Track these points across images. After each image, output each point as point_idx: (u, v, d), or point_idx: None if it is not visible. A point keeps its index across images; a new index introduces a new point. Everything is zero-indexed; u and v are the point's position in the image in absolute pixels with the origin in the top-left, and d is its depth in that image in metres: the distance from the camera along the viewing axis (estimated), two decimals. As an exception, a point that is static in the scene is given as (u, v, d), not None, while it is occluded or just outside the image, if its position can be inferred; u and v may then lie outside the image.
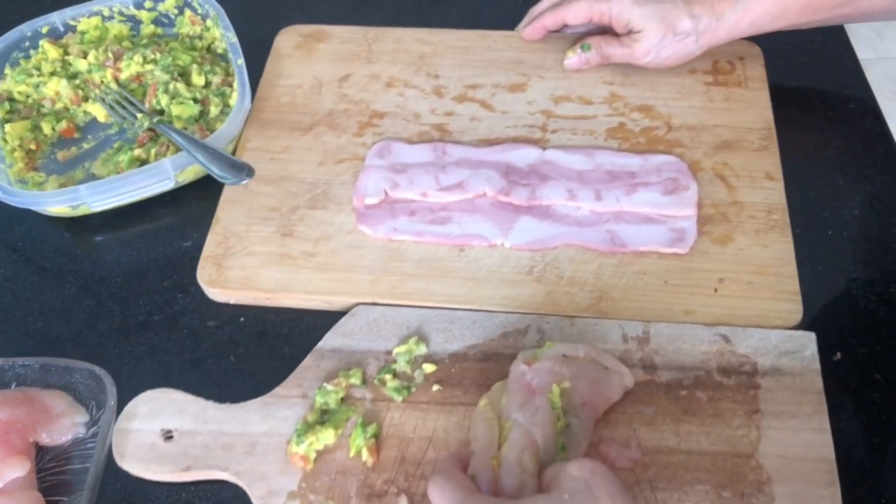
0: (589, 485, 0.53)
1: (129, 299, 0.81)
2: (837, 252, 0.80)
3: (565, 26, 0.93)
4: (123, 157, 0.87)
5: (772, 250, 0.78)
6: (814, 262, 0.79)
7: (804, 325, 0.74)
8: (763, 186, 0.83)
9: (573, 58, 0.92)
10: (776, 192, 0.82)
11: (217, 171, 0.81)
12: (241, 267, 0.79)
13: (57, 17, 0.97)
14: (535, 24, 0.93)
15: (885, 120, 0.90)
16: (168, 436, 0.69)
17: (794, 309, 0.74)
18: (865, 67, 0.95)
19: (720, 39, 0.87)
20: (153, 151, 0.88)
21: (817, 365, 0.71)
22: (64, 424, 0.70)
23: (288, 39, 0.99)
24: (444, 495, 0.56)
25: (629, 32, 0.88)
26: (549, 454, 0.61)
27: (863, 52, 0.93)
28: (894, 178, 0.85)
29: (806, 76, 0.96)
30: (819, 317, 0.76)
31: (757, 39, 0.95)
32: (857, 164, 0.87)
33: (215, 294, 0.79)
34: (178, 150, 0.85)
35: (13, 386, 0.72)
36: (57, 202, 0.82)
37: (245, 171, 0.82)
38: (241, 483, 0.67)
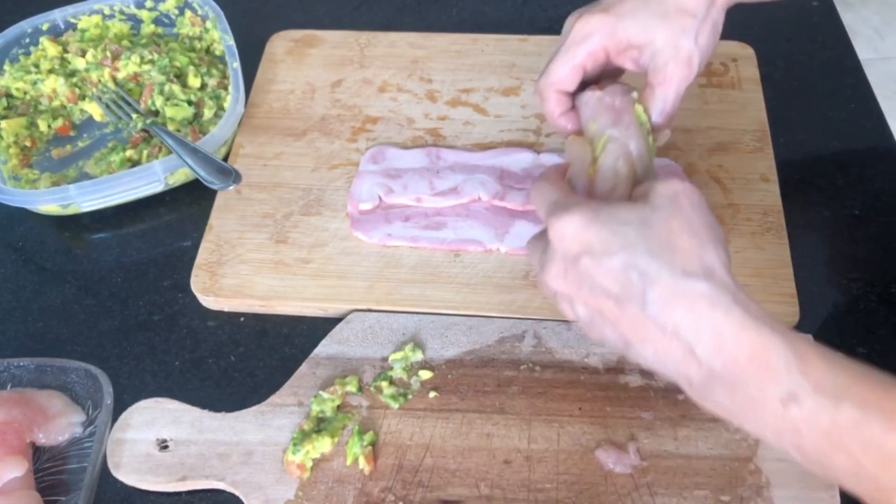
0: (673, 202, 0.53)
1: (128, 299, 0.80)
2: (837, 252, 0.80)
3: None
4: (116, 158, 0.87)
5: (767, 252, 0.78)
6: (814, 261, 0.79)
7: (804, 325, 0.74)
8: (758, 188, 0.83)
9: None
10: (771, 194, 0.82)
11: (204, 176, 0.81)
12: (234, 275, 0.79)
13: (58, 15, 0.97)
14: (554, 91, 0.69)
15: (886, 120, 0.90)
16: (163, 445, 0.69)
17: (791, 311, 0.74)
18: (865, 67, 0.95)
19: None
20: (145, 153, 0.88)
21: (815, 367, 0.70)
22: (60, 424, 0.70)
23: (279, 45, 0.99)
24: (542, 194, 0.58)
25: (643, 60, 0.67)
26: (643, 165, 0.61)
27: (863, 52, 0.92)
28: (894, 178, 0.85)
29: (806, 76, 0.95)
30: (819, 317, 0.76)
31: (756, 39, 0.95)
32: (857, 164, 0.87)
33: (209, 302, 0.79)
34: (169, 152, 0.85)
35: (9, 387, 0.72)
36: (46, 201, 0.82)
37: (232, 176, 0.82)
38: (237, 493, 0.67)
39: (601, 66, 0.69)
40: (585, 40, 0.66)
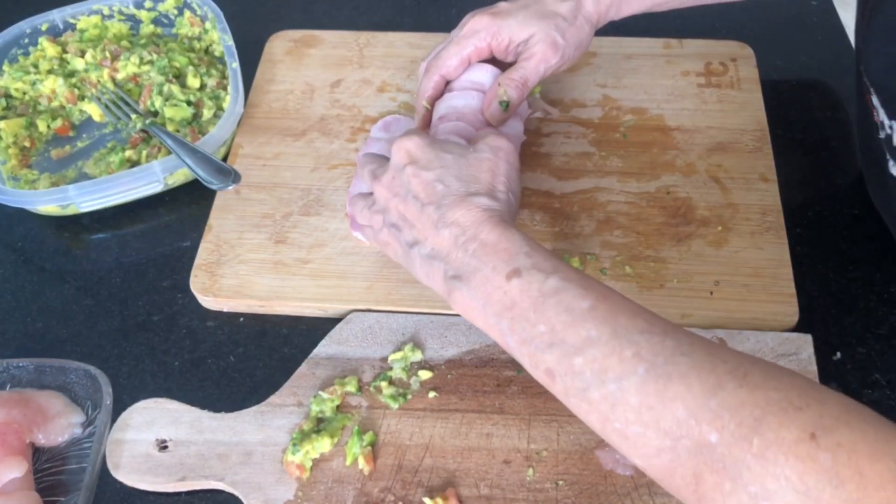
0: (493, 150, 0.67)
1: (128, 300, 0.80)
2: (837, 252, 0.80)
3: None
4: (115, 158, 0.87)
5: (767, 252, 0.78)
6: (814, 261, 0.79)
7: (804, 324, 0.74)
8: (757, 188, 0.83)
9: (497, 114, 0.79)
10: (770, 194, 0.82)
11: (204, 176, 0.81)
12: (234, 275, 0.79)
13: (57, 15, 0.97)
14: (433, 79, 0.82)
15: (883, 119, 0.90)
16: (163, 446, 0.69)
17: (790, 311, 0.74)
18: (863, 67, 0.95)
19: None
20: (144, 153, 0.88)
21: (814, 367, 0.70)
22: (60, 425, 0.70)
23: (279, 45, 0.99)
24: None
25: (518, 49, 0.80)
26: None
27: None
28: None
29: (805, 76, 0.96)
30: (819, 316, 0.76)
31: (755, 39, 0.96)
32: (856, 163, 0.87)
33: (208, 302, 0.79)
34: (168, 152, 0.85)
35: (8, 387, 0.72)
36: (45, 202, 0.82)
37: (231, 176, 0.82)
38: (236, 493, 0.67)
39: (486, 60, 0.81)
40: (474, 36, 0.80)
